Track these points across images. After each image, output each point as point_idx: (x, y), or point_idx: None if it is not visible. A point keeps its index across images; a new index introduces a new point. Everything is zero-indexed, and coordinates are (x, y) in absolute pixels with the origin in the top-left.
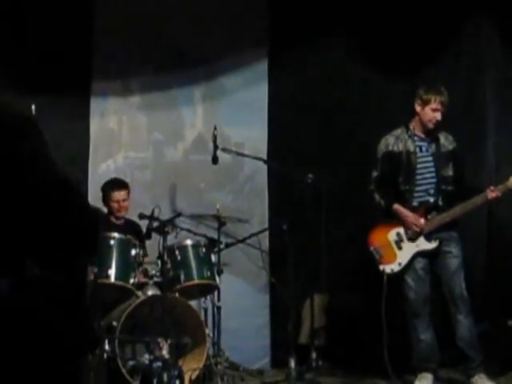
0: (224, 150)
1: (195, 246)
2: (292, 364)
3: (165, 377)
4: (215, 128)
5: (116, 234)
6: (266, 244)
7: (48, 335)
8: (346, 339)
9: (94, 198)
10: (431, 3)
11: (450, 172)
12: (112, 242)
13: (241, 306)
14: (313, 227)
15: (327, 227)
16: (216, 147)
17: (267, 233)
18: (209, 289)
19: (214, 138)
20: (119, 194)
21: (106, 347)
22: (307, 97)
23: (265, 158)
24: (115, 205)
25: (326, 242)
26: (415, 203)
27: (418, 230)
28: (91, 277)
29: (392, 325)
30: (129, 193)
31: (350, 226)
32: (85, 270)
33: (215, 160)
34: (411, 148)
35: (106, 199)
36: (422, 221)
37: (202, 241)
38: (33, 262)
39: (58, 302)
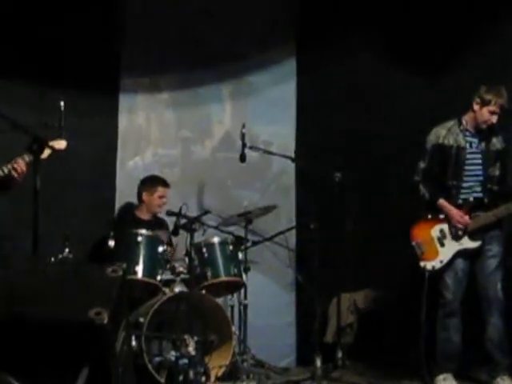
0: (252, 147)
1: (222, 244)
2: (318, 362)
3: (191, 374)
4: (243, 126)
5: (144, 231)
6: (292, 242)
7: None
8: (372, 338)
9: (122, 193)
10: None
11: (496, 172)
12: (140, 238)
13: (267, 304)
14: (340, 225)
15: (354, 225)
16: (244, 145)
17: (294, 231)
18: (235, 286)
19: (242, 135)
20: (165, 191)
21: (133, 343)
22: (335, 94)
23: (292, 155)
24: (158, 200)
25: (352, 240)
26: (460, 200)
27: (463, 227)
28: (120, 272)
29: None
30: (168, 189)
31: (376, 224)
32: None
33: (243, 158)
34: (462, 143)
35: (147, 193)
36: (468, 218)
37: (229, 238)
38: None
39: None
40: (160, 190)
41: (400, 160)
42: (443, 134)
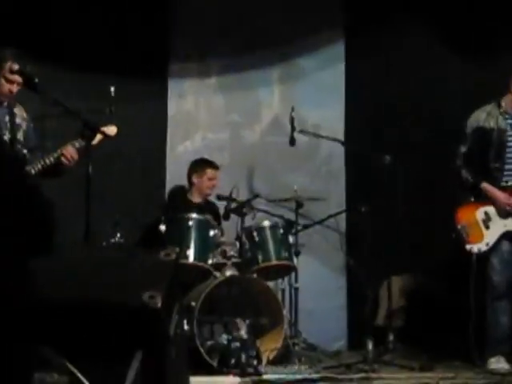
0: (301, 131)
1: (273, 228)
2: (369, 346)
3: (243, 357)
4: (292, 109)
5: (195, 215)
6: (343, 225)
7: None
8: (423, 321)
9: (172, 178)
10: None
11: None
12: (191, 222)
13: (318, 288)
14: (390, 208)
15: (405, 208)
16: (293, 129)
17: (344, 214)
18: (286, 270)
19: (291, 119)
20: (215, 172)
21: (185, 327)
22: (384, 77)
23: (342, 139)
24: (208, 182)
25: (403, 224)
26: (503, 182)
27: (509, 208)
28: (173, 256)
29: (467, 307)
30: (219, 171)
31: (427, 207)
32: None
33: (292, 141)
34: (502, 125)
35: (197, 175)
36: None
37: (280, 222)
38: None
39: None
40: (209, 172)
41: (451, 142)
42: (483, 117)
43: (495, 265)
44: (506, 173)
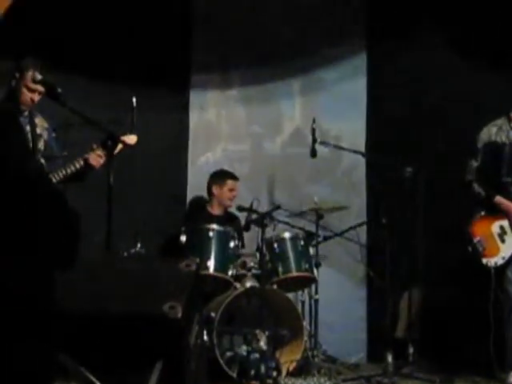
0: (322, 143)
1: (293, 239)
2: (389, 358)
3: (262, 368)
4: (313, 121)
5: (215, 226)
6: (363, 237)
7: None
8: (444, 334)
9: (193, 189)
10: None
11: None
12: (211, 233)
13: (338, 299)
14: (411, 221)
15: (426, 221)
16: (314, 140)
17: (365, 226)
18: (306, 281)
19: (313, 130)
20: (235, 183)
21: (205, 338)
22: (406, 89)
23: (363, 151)
24: (228, 193)
25: (424, 236)
26: None
27: None
28: (193, 267)
29: (486, 320)
30: (238, 182)
31: (448, 219)
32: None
33: (314, 153)
34: None
35: (217, 186)
36: None
37: (300, 234)
38: None
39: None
40: (229, 183)
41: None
42: (494, 131)
43: (511, 277)
44: None
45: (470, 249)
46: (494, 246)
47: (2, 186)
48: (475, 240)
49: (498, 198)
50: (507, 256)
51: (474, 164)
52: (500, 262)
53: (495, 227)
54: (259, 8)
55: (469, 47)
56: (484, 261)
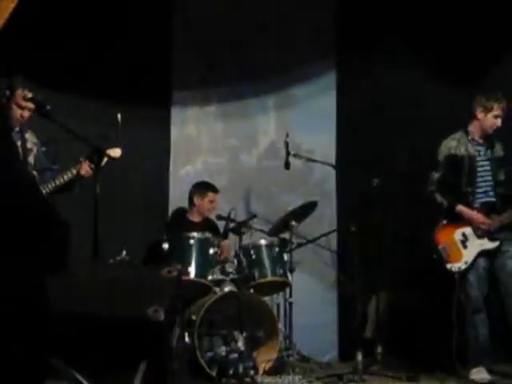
0: (295, 155)
1: (269, 246)
2: (359, 357)
3: (240, 367)
4: (287, 135)
5: (196, 234)
6: (334, 244)
7: None
8: (410, 334)
9: (175, 199)
10: (488, 19)
11: (502, 176)
12: (192, 241)
13: (311, 302)
14: (378, 228)
15: (391, 228)
16: (288, 153)
17: (335, 233)
18: (281, 286)
19: (286, 144)
20: (215, 196)
21: (186, 339)
22: (373, 105)
23: (333, 163)
24: (209, 205)
25: (391, 243)
26: (477, 204)
27: (486, 228)
28: (175, 273)
29: (449, 321)
30: (218, 194)
31: (412, 227)
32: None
33: (287, 165)
34: (472, 152)
35: (198, 197)
36: (489, 220)
37: (275, 241)
38: None
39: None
40: (210, 195)
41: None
42: (454, 145)
43: (472, 281)
44: (477, 196)
45: (434, 256)
46: (457, 252)
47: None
48: (439, 247)
49: (460, 208)
50: (469, 261)
51: (436, 175)
52: (463, 266)
53: (457, 234)
54: (236, 30)
55: (431, 66)
56: (448, 266)
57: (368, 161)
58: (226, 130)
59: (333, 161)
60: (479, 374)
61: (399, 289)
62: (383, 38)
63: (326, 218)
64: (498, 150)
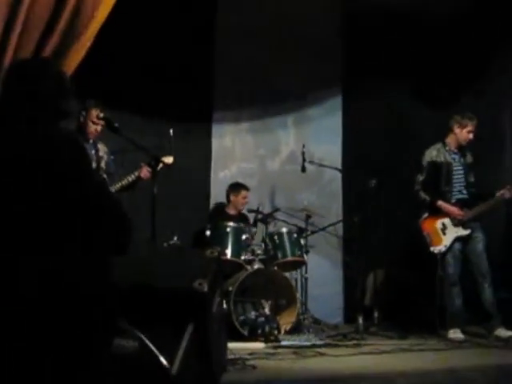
0: (310, 162)
1: (289, 233)
2: (360, 320)
3: (266, 328)
4: (303, 146)
5: (232, 223)
6: (340, 231)
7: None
8: (401, 303)
9: (215, 196)
10: (464, 55)
11: (472, 178)
12: (229, 229)
13: (322, 277)
14: (376, 219)
15: (386, 219)
16: (304, 160)
17: (341, 223)
18: (299, 264)
19: (303, 153)
20: (247, 193)
21: (224, 306)
22: (372, 122)
23: (340, 167)
24: (242, 200)
25: (385, 231)
26: (453, 200)
27: (461, 218)
28: (215, 254)
29: (432, 293)
30: (249, 191)
31: (403, 218)
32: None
33: (304, 169)
34: (448, 159)
35: (234, 194)
36: (462, 212)
37: (294, 229)
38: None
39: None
40: (243, 193)
41: (419, 168)
42: (434, 154)
43: (450, 261)
44: (453, 194)
45: (420, 240)
46: (438, 237)
47: (87, 190)
48: (424, 234)
49: (440, 203)
50: (448, 245)
51: (420, 178)
52: (443, 249)
53: (438, 224)
54: (265, 64)
55: (418, 93)
56: (431, 249)
57: (367, 166)
58: (255, 142)
59: (339, 166)
60: (455, 334)
61: (392, 267)
62: (379, 71)
63: (333, 211)
64: (469, 158)
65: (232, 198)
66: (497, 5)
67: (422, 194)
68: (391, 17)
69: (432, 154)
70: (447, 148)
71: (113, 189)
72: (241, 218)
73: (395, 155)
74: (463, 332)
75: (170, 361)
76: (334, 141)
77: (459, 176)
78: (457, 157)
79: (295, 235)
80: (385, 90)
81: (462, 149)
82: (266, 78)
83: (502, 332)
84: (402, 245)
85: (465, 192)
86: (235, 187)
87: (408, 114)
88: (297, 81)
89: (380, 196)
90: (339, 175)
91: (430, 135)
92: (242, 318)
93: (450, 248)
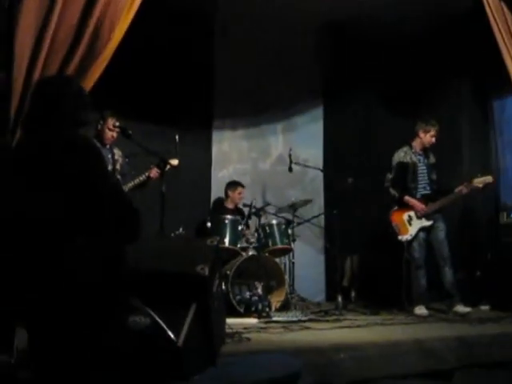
0: (296, 163)
1: (278, 224)
2: (339, 299)
3: (259, 306)
4: (290, 149)
5: (229, 216)
6: (322, 222)
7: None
8: (374, 283)
9: (215, 193)
10: (426, 71)
11: (434, 176)
12: (227, 221)
13: (307, 262)
14: (352, 211)
15: (362, 212)
16: (291, 161)
17: (323, 216)
18: (287, 251)
19: (290, 156)
20: (242, 189)
21: (223, 287)
22: (349, 129)
23: (321, 168)
24: (238, 196)
25: (360, 222)
26: (418, 195)
27: (424, 211)
28: (215, 243)
29: (400, 275)
30: (244, 188)
31: (375, 211)
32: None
33: (290, 169)
34: (414, 159)
35: (231, 191)
36: (425, 206)
37: (283, 220)
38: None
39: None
40: (239, 189)
41: (389, 167)
42: (402, 155)
43: (416, 247)
44: (418, 189)
45: (390, 230)
46: (405, 228)
47: (105, 189)
48: (393, 224)
49: (407, 198)
50: (413, 234)
51: (389, 176)
52: (409, 238)
53: (405, 216)
54: (258, 80)
55: (388, 102)
56: (399, 237)
57: (344, 167)
58: (249, 146)
59: (321, 166)
60: (420, 310)
61: (367, 252)
62: (354, 85)
63: (316, 205)
64: (432, 159)
65: (230, 193)
66: (454, 25)
67: (392, 190)
68: (367, 40)
69: (400, 155)
70: (413, 150)
71: (126, 188)
72: (237, 211)
73: (368, 157)
74: (427, 308)
75: (177, 335)
76: (316, 145)
77: (423, 175)
78: (421, 158)
79: (283, 226)
80: (359, 102)
81: (425, 151)
82: (258, 92)
83: (461, 308)
84: (375, 234)
85: (428, 188)
86: (232, 184)
87: (378, 122)
88: (285, 94)
89: (355, 192)
90: (321, 174)
91: (397, 139)
92: (238, 297)
93: (415, 236)
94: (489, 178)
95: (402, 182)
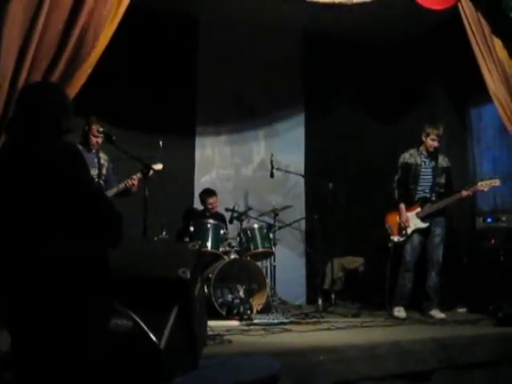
0: (277, 168)
1: (260, 228)
2: (320, 302)
3: (241, 309)
4: (272, 155)
5: (211, 221)
6: (303, 227)
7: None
8: (355, 286)
9: (197, 198)
10: (404, 79)
11: (442, 180)
12: (209, 225)
13: (288, 265)
14: (332, 216)
15: (342, 216)
16: (272, 167)
17: (304, 220)
18: (268, 254)
19: (271, 161)
20: (212, 199)
21: (205, 290)
22: (329, 136)
23: (303, 173)
24: (209, 205)
25: (340, 226)
26: (416, 197)
27: (403, 225)
28: (197, 247)
29: (382, 277)
30: (217, 196)
31: (356, 215)
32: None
33: (272, 175)
34: (418, 162)
35: (203, 201)
36: (405, 220)
37: (264, 225)
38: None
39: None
40: (209, 200)
41: (372, 176)
42: (407, 156)
43: (408, 249)
44: (418, 192)
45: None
46: (398, 229)
47: (80, 195)
48: (386, 226)
49: (401, 206)
50: (408, 234)
51: (396, 177)
52: (402, 238)
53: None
54: (240, 85)
55: (369, 110)
56: (392, 237)
57: (325, 172)
58: (231, 152)
59: (302, 172)
60: (399, 312)
61: (347, 256)
62: (335, 93)
63: (297, 209)
64: (442, 162)
65: (206, 200)
66: (432, 34)
67: (396, 193)
68: (346, 47)
69: (405, 156)
70: (419, 153)
71: (109, 193)
72: (218, 216)
73: (348, 163)
74: (406, 311)
75: (159, 337)
76: (297, 151)
77: (426, 177)
78: (427, 160)
79: (265, 230)
80: (340, 109)
81: (432, 154)
82: (241, 99)
83: (436, 313)
84: (355, 238)
85: (428, 191)
86: (204, 194)
87: (358, 129)
88: (267, 101)
89: (336, 197)
90: (302, 180)
91: (377, 146)
92: (220, 300)
93: (409, 239)
94: (496, 181)
95: (405, 182)
